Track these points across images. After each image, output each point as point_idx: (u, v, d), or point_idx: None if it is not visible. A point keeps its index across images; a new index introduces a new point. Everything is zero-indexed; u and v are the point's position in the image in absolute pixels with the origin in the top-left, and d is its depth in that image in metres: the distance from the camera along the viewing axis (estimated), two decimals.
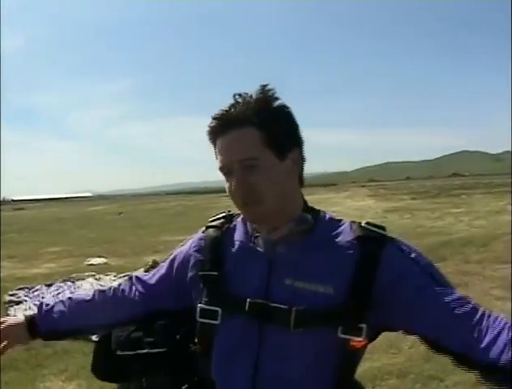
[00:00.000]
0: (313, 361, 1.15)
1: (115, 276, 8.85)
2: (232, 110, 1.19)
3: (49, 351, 5.53)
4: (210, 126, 1.23)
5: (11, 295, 7.93)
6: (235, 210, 1.32)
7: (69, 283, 8.65)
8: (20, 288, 8.33)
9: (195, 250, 1.36)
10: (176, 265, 1.41)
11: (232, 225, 1.34)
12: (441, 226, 15.64)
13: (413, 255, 1.18)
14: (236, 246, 1.29)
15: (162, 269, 1.46)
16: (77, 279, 8.89)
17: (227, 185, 1.23)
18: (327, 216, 1.27)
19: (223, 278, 1.25)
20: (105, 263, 11.60)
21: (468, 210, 19.57)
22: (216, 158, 1.23)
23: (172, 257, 1.45)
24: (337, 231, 1.22)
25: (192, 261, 1.35)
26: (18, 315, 6.12)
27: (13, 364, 5.21)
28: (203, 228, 1.39)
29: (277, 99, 1.20)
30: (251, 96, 1.20)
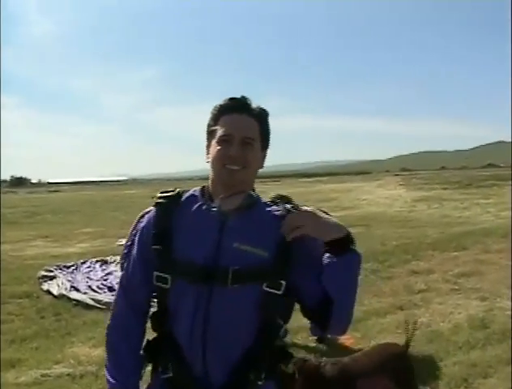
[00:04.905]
0: (246, 308, 1.49)
1: None
2: (248, 102, 1.59)
3: (79, 321, 5.71)
4: (226, 103, 1.59)
5: (46, 270, 8.12)
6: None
7: (100, 262, 8.89)
8: (56, 266, 8.51)
9: (149, 225, 1.58)
10: (141, 246, 1.60)
11: (183, 198, 1.61)
12: (467, 216, 15.64)
13: None
14: (190, 215, 1.55)
15: (135, 260, 1.61)
16: (110, 262, 9.03)
17: (219, 148, 1.54)
18: (263, 198, 1.64)
19: (171, 248, 1.51)
20: None
21: (497, 201, 19.25)
22: (216, 127, 1.57)
23: (135, 238, 1.63)
24: (272, 208, 1.59)
25: (148, 235, 1.57)
26: (51, 290, 6.49)
27: (44, 332, 5.44)
28: (154, 203, 1.61)
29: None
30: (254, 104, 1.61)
